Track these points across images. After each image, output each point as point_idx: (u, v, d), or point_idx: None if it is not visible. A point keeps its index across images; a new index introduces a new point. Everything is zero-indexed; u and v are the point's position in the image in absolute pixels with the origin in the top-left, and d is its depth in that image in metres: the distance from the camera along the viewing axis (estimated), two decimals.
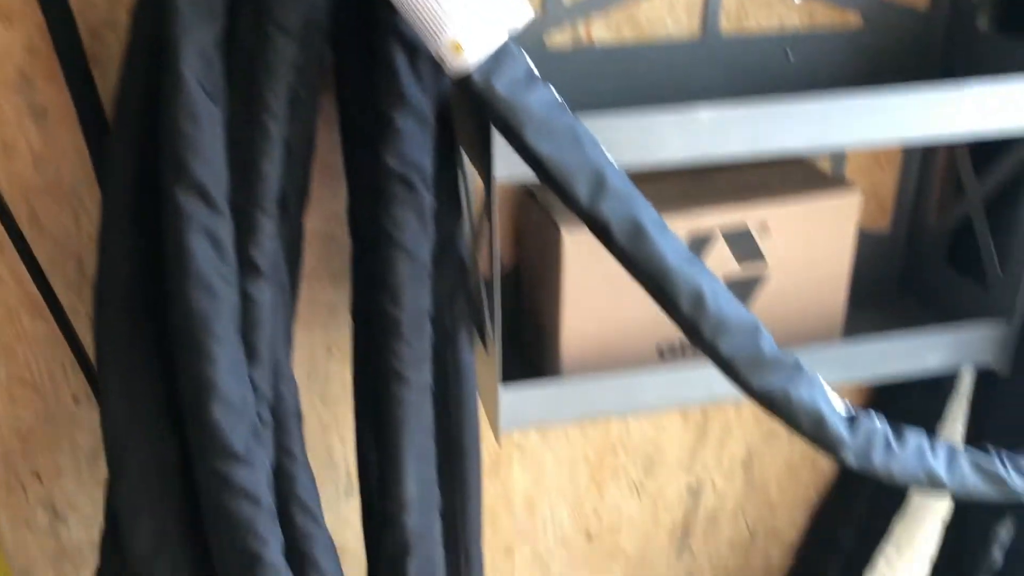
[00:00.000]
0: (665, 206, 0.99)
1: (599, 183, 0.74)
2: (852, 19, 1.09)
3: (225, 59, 0.73)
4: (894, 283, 1.25)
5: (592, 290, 0.98)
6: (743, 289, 1.04)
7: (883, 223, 1.23)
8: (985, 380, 1.21)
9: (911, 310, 1.20)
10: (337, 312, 1.09)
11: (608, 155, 0.76)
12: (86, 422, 1.10)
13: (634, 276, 0.78)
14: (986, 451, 0.92)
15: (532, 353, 1.08)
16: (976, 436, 1.24)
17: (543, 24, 1.01)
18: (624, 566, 1.39)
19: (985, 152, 1.09)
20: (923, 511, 1.45)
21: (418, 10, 0.69)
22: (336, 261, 1.07)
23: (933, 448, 0.89)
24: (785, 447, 1.37)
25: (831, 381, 1.07)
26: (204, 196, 0.72)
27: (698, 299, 0.78)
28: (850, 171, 1.18)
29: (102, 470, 1.11)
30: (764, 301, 1.05)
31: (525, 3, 0.73)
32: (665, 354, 1.04)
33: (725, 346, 0.80)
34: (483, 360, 0.97)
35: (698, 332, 0.80)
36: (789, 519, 1.44)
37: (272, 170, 0.75)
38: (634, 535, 1.37)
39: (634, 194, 0.76)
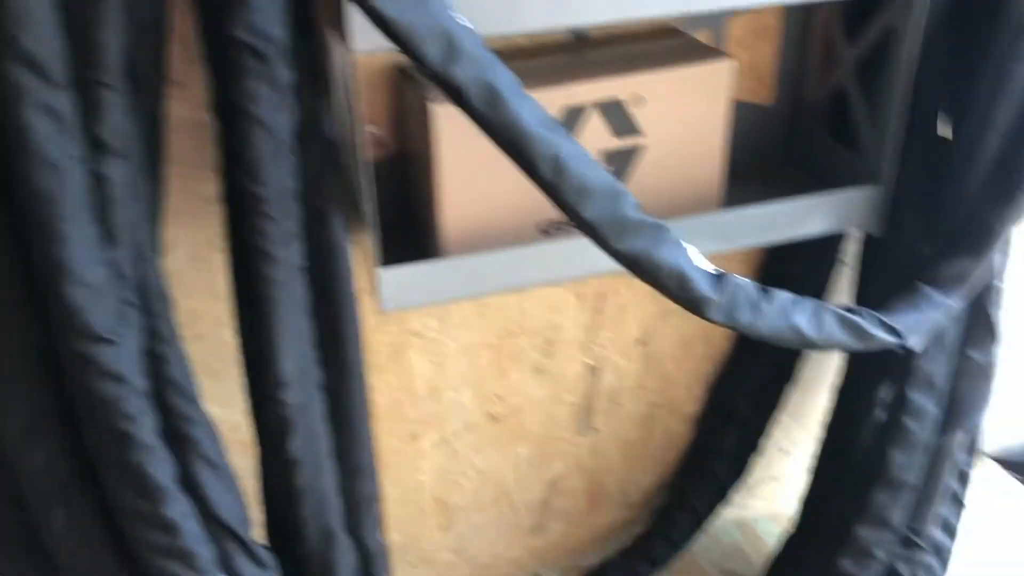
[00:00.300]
0: (539, 81, 0.99)
1: (450, 46, 0.73)
2: None
3: None
4: (778, 154, 1.27)
5: (469, 167, 0.98)
6: (622, 161, 1.05)
7: (766, 95, 1.24)
8: (868, 249, 1.24)
9: (794, 179, 1.23)
10: (215, 204, 1.08)
11: (461, 19, 0.75)
12: None
13: (493, 141, 0.78)
14: (854, 308, 0.96)
15: (417, 234, 1.09)
16: (862, 298, 1.29)
17: None
18: (529, 446, 1.43)
19: (856, 18, 1.10)
20: (814, 379, 1.50)
21: None
22: (213, 151, 1.05)
23: (799, 305, 0.92)
24: (680, 324, 1.41)
25: (712, 249, 1.10)
26: (37, 70, 0.69)
27: (558, 163, 0.78)
28: (731, 45, 1.19)
29: None
30: (643, 172, 1.06)
31: None
32: (549, 231, 1.06)
33: (588, 210, 0.81)
34: (366, 240, 0.97)
35: (560, 196, 0.80)
36: (687, 393, 1.49)
37: (113, 41, 0.73)
38: (538, 416, 1.41)
39: (489, 58, 0.76)
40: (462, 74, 0.74)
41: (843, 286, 1.39)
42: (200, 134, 1.03)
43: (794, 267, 1.35)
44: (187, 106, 1.00)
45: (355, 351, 0.94)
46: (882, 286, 1.23)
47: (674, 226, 1.04)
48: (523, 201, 1.01)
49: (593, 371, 1.40)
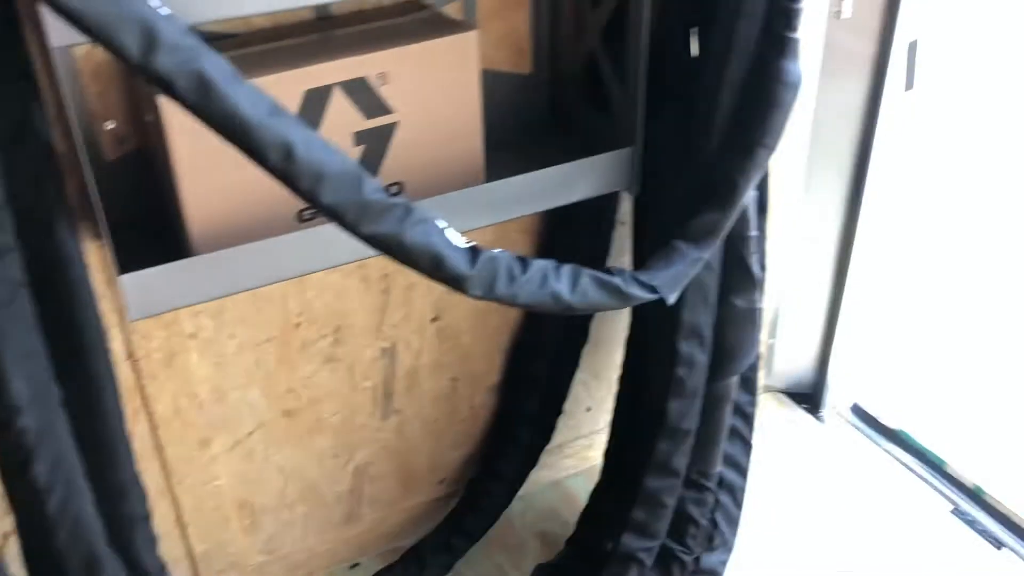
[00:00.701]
0: (280, 64, 0.95)
1: (150, 37, 0.69)
2: None
3: None
4: (541, 122, 1.28)
5: (209, 159, 0.93)
6: (376, 141, 1.03)
7: (524, 64, 1.25)
8: (637, 209, 1.28)
9: (557, 147, 1.24)
10: None
11: (159, 7, 0.71)
12: None
13: (214, 132, 0.75)
14: (610, 269, 0.98)
15: (168, 234, 1.03)
16: (640, 256, 1.33)
17: None
18: (330, 437, 1.40)
19: None
20: (608, 338, 1.54)
21: None
22: None
23: (557, 272, 0.94)
24: (465, 305, 1.41)
25: (479, 223, 1.10)
26: None
27: (287, 150, 0.76)
28: (483, 15, 1.18)
29: None
30: (401, 150, 1.04)
31: None
32: (310, 218, 1.03)
33: (327, 196, 0.79)
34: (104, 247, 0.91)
35: (296, 184, 0.78)
36: (486, 364, 1.49)
37: None
38: (335, 405, 1.38)
39: (195, 46, 0.72)
40: (166, 65, 0.70)
41: (625, 246, 1.43)
42: None
43: (573, 233, 1.37)
44: None
45: (101, 364, 0.88)
46: (652, 242, 1.27)
47: (438, 202, 1.05)
48: (277, 189, 0.97)
49: (388, 354, 1.39)
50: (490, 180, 1.11)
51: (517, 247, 1.38)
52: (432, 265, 0.85)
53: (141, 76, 0.71)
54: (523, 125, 1.26)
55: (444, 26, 1.05)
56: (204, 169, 0.94)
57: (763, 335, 1.67)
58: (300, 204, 1.00)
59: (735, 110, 1.05)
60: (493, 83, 1.22)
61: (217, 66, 0.73)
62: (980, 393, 1.92)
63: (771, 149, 1.04)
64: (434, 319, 1.40)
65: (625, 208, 1.38)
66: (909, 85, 1.61)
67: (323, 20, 1.07)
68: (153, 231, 1.04)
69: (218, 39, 1.01)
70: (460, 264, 0.86)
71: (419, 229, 0.83)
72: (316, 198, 0.79)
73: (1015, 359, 2.04)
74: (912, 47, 1.59)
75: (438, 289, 1.36)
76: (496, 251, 0.90)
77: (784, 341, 1.81)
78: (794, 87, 1.02)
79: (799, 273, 1.72)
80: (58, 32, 0.75)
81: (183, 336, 1.20)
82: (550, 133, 1.27)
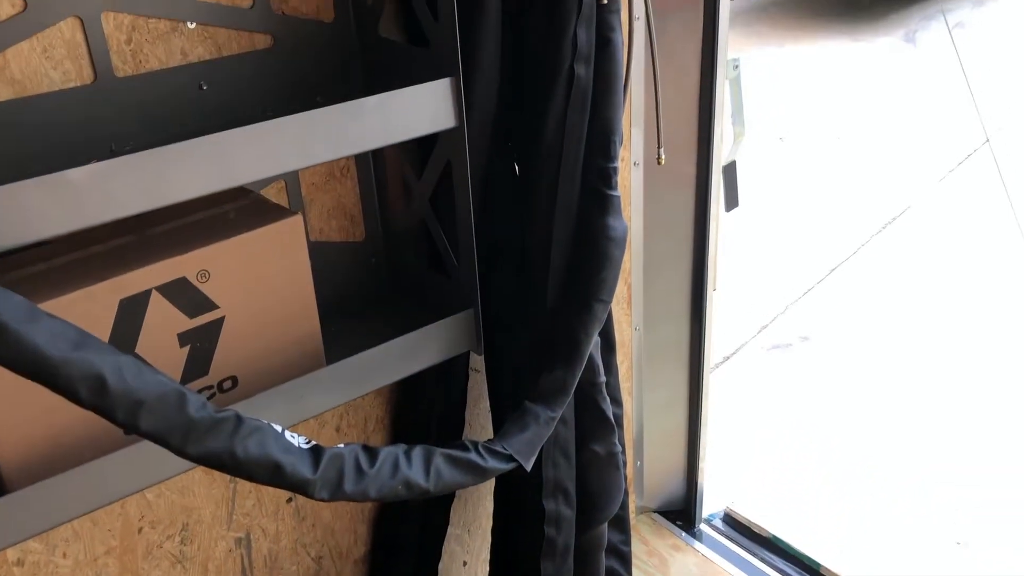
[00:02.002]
0: (91, 274, 0.90)
1: None
2: (260, 40, 1.07)
3: None
4: (380, 289, 1.26)
5: (17, 386, 0.86)
6: (204, 339, 0.98)
7: (356, 232, 1.24)
8: (488, 361, 1.26)
9: (398, 313, 1.22)
10: None
11: None
12: None
13: (15, 373, 0.69)
14: (463, 445, 0.96)
15: None
16: (497, 408, 1.31)
17: None
18: None
19: (420, 153, 1.13)
20: (479, 490, 1.51)
21: None
22: None
23: (408, 457, 0.91)
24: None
25: (324, 407, 1.06)
26: None
27: (98, 384, 0.71)
28: (308, 188, 1.17)
29: None
30: (232, 344, 1.00)
31: None
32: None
33: (148, 423, 0.74)
34: None
35: (112, 416, 0.73)
36: (351, 536, 1.43)
37: None
38: None
39: None
40: None
41: (482, 391, 1.41)
42: None
43: (427, 387, 1.34)
44: None
45: None
46: (505, 396, 1.26)
47: (278, 392, 1.01)
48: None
49: (243, 543, 1.30)
50: (331, 360, 1.07)
51: (368, 408, 1.34)
52: (270, 475, 0.81)
53: None
54: (362, 293, 1.24)
55: (266, 212, 1.02)
56: (12, 396, 0.86)
57: (629, 457, 1.68)
58: None
59: (566, 267, 1.06)
60: (326, 255, 1.20)
61: (9, 307, 0.67)
62: (849, 493, 1.97)
63: (607, 303, 1.05)
64: (289, 500, 1.33)
65: (478, 356, 1.37)
66: (731, 205, 1.69)
67: (139, 217, 1.02)
68: None
69: (26, 249, 0.95)
70: (301, 469, 0.82)
71: (253, 440, 0.79)
72: (137, 427, 0.74)
73: (881, 459, 2.12)
74: (729, 169, 1.68)
75: None
76: (341, 447, 0.86)
77: (651, 461, 1.82)
78: (620, 242, 1.04)
79: (655, 392, 1.75)
80: None
81: (7, 564, 1.09)
82: (390, 299, 1.26)
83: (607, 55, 1.02)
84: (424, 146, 1.10)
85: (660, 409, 1.77)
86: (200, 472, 1.21)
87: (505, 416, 1.29)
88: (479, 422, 1.48)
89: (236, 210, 1.04)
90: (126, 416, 0.73)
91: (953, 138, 4.83)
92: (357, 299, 1.22)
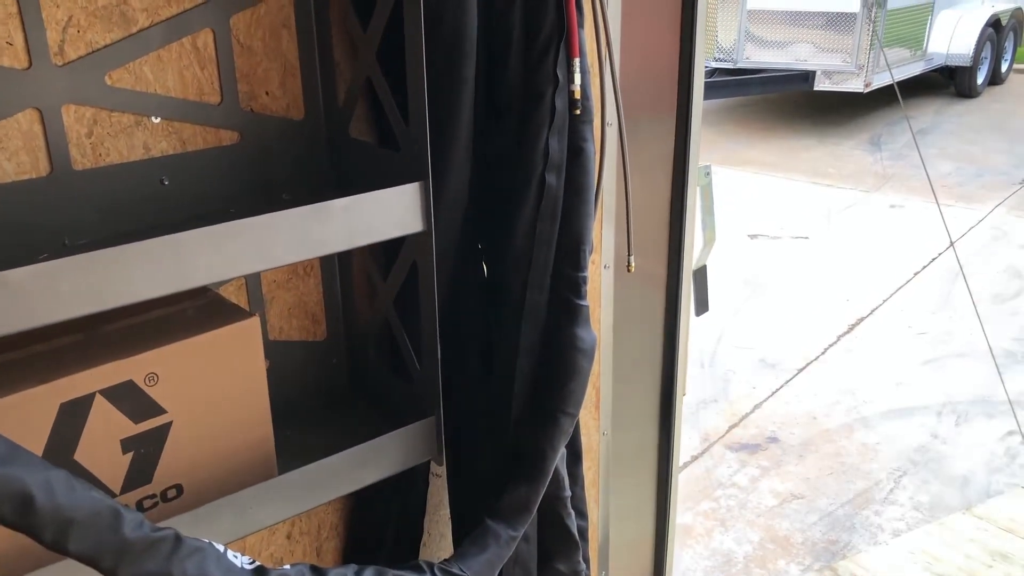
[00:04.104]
0: (32, 376, 0.85)
1: None
2: (227, 136, 1.05)
3: None
4: (340, 390, 1.22)
5: None
6: (149, 445, 0.93)
7: (318, 332, 1.20)
8: (453, 467, 1.22)
9: (357, 416, 1.18)
10: None
11: None
12: None
13: None
14: (418, 566, 0.91)
15: None
16: (459, 517, 1.26)
17: None
18: None
19: (388, 253, 1.10)
20: None
21: None
22: None
23: None
24: None
25: (278, 518, 1.00)
26: None
27: (25, 501, 0.66)
28: (269, 286, 1.14)
29: None
30: (179, 450, 0.95)
31: None
32: None
33: (78, 544, 0.69)
34: None
35: (38, 535, 0.68)
36: None
37: None
38: None
39: None
40: None
41: (443, 499, 1.36)
42: None
43: (386, 493, 1.29)
44: None
45: None
46: (465, 508, 1.21)
47: (226, 501, 0.95)
48: None
49: None
50: (284, 469, 1.02)
51: (322, 515, 1.28)
52: None
53: None
54: (320, 394, 1.19)
55: (222, 313, 0.98)
56: None
57: (593, 568, 1.62)
58: None
59: (533, 377, 1.03)
60: (285, 354, 1.16)
61: None
62: None
63: (574, 416, 1.02)
64: None
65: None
66: (702, 309, 1.67)
67: (88, 316, 0.98)
68: None
69: None
70: None
71: (191, 562, 0.74)
72: (65, 548, 0.69)
73: None
74: (700, 273, 1.67)
75: None
76: (287, 569, 0.81)
77: (616, 571, 1.76)
78: (589, 353, 1.01)
79: (622, 497, 1.70)
80: None
81: None
82: (349, 401, 1.21)
83: (579, 164, 1.01)
84: (390, 247, 1.08)
85: (626, 515, 1.72)
86: None
87: (466, 525, 1.24)
88: (439, 530, 1.42)
89: (192, 309, 1.00)
90: (55, 536, 0.68)
91: (918, 240, 4.91)
92: (315, 400, 1.18)
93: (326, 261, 1.17)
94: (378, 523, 1.29)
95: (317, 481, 1.01)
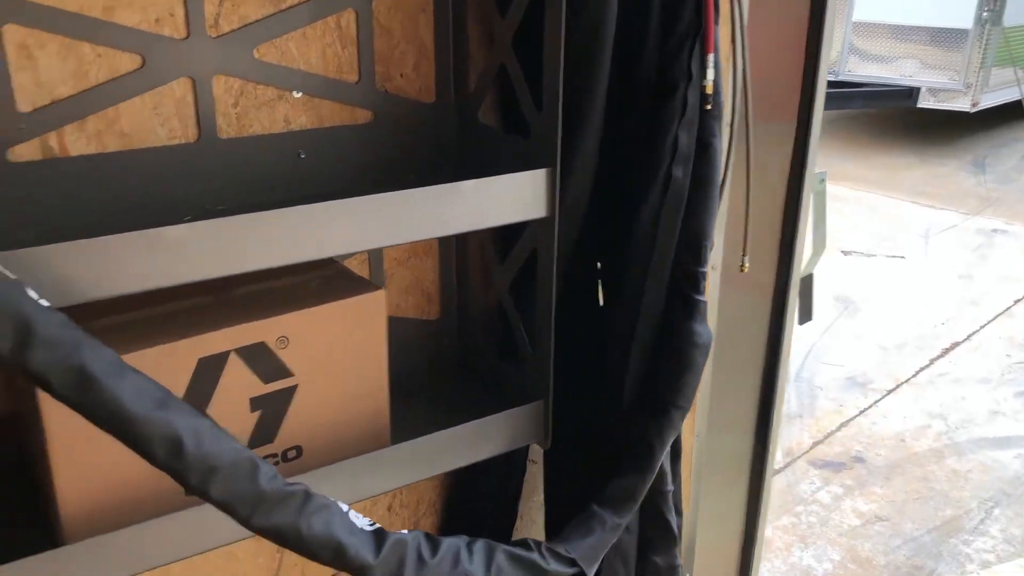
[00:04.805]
0: (173, 331, 0.90)
1: (25, 333, 0.64)
2: (363, 115, 1.08)
3: None
4: (449, 369, 1.25)
5: (89, 436, 0.85)
6: (275, 406, 0.96)
7: (431, 311, 1.23)
8: (550, 454, 1.23)
9: (466, 395, 1.20)
10: None
11: (38, 299, 0.65)
12: None
13: (95, 425, 0.68)
14: (526, 544, 0.92)
15: (33, 513, 0.93)
16: (550, 504, 1.27)
17: (3, 136, 0.88)
18: None
19: (505, 237, 1.12)
20: None
21: None
22: None
23: (470, 551, 0.87)
24: None
25: (385, 488, 1.03)
26: None
27: (175, 445, 0.70)
28: (390, 264, 1.17)
29: None
30: (302, 413, 0.98)
31: None
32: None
33: (218, 490, 0.72)
34: None
35: (184, 479, 0.72)
36: None
37: None
38: None
39: (76, 340, 0.66)
40: (41, 362, 0.65)
41: (537, 484, 1.37)
42: None
43: (483, 475, 1.31)
44: None
45: None
46: (566, 495, 1.22)
47: (341, 467, 0.99)
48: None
49: None
50: (396, 439, 1.05)
51: (422, 491, 1.31)
52: (332, 555, 0.78)
53: (15, 372, 0.65)
54: (430, 372, 1.22)
55: (349, 284, 1.01)
56: (79, 448, 0.85)
57: None
58: None
59: (646, 369, 1.03)
60: (398, 330, 1.19)
61: (99, 359, 0.67)
62: None
63: (685, 410, 1.02)
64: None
65: (537, 447, 1.34)
66: (805, 318, 1.65)
67: (221, 278, 1.02)
68: (15, 506, 0.93)
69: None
70: (363, 553, 0.79)
71: (319, 517, 0.77)
72: (207, 493, 0.72)
73: None
74: (806, 281, 1.65)
75: None
76: (404, 534, 0.84)
77: (700, 574, 1.75)
78: (705, 348, 1.01)
79: (711, 502, 1.69)
80: None
81: None
82: (458, 380, 1.23)
83: (706, 160, 1.02)
84: (508, 231, 1.09)
85: (714, 520, 1.71)
86: (250, 540, 1.19)
87: (559, 513, 1.25)
88: (531, 515, 1.44)
89: (319, 279, 1.03)
90: (199, 481, 0.71)
91: (1021, 266, 4.74)
92: (423, 377, 1.21)
93: (444, 242, 1.20)
94: (475, 503, 1.32)
95: (427, 454, 1.03)
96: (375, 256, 1.14)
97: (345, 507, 0.80)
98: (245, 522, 0.74)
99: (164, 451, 0.70)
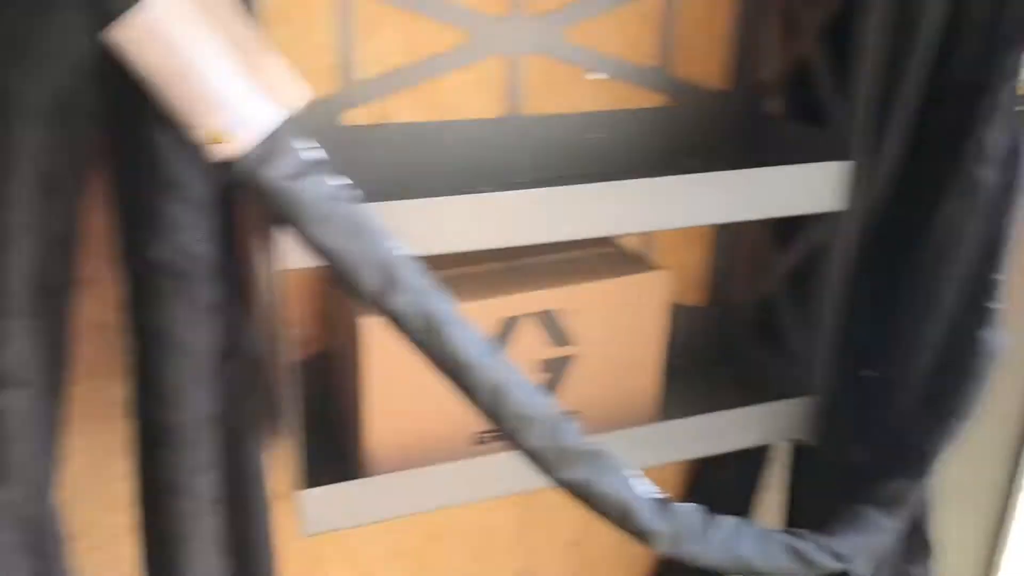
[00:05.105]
0: (475, 292, 0.96)
1: (389, 276, 0.71)
2: (656, 99, 1.11)
3: None
4: (711, 357, 1.26)
5: (398, 380, 0.93)
6: (553, 371, 1.01)
7: (697, 298, 1.24)
8: (800, 454, 1.22)
9: (727, 385, 1.21)
10: (120, 408, 0.99)
11: (399, 248, 0.72)
12: None
13: (432, 367, 0.75)
14: (798, 533, 0.93)
15: (337, 446, 1.02)
16: (795, 503, 1.26)
17: (340, 101, 0.97)
18: None
19: (785, 229, 1.12)
20: None
21: (176, 97, 0.63)
22: (117, 352, 0.98)
23: (744, 532, 0.89)
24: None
25: (648, 463, 1.06)
26: None
27: (497, 392, 0.75)
28: (660, 247, 1.19)
29: None
30: (576, 382, 1.03)
31: (302, 87, 0.69)
32: (485, 441, 1.00)
33: (527, 438, 0.77)
34: (284, 459, 0.90)
35: (500, 424, 0.77)
36: None
37: (19, 263, 0.67)
38: None
39: (427, 287, 0.73)
40: (401, 304, 0.72)
41: (775, 480, 1.36)
42: (105, 336, 0.97)
43: (726, 468, 1.32)
44: (94, 306, 0.94)
45: None
46: (816, 493, 1.21)
47: (608, 438, 1.02)
48: (456, 412, 0.96)
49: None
50: (660, 418, 1.08)
51: (667, 475, 1.33)
52: (621, 517, 0.82)
53: (373, 308, 0.72)
54: (693, 358, 1.23)
55: (632, 264, 1.05)
56: (390, 391, 0.93)
57: None
58: (477, 426, 0.99)
59: (928, 374, 1.00)
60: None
61: (444, 306, 0.73)
62: None
63: (966, 420, 0.99)
64: (575, 544, 1.34)
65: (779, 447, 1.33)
66: None
67: (509, 248, 1.09)
68: (319, 440, 1.03)
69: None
70: (648, 518, 0.82)
71: (613, 478, 0.81)
72: (517, 440, 0.77)
73: None
74: None
75: (581, 513, 1.31)
76: (686, 506, 0.86)
77: None
78: (995, 359, 0.98)
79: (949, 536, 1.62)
80: (292, 256, 0.76)
81: (327, 541, 1.16)
82: (719, 368, 1.24)
83: (1012, 163, 0.97)
84: (790, 222, 1.09)
85: (952, 548, 1.63)
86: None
87: (806, 511, 1.24)
88: (766, 511, 1.43)
89: (599, 255, 1.07)
90: (514, 427, 0.76)
91: None
92: (687, 362, 1.22)
93: (720, 229, 1.21)
94: (712, 493, 1.32)
95: (693, 434, 1.05)
96: (647, 239, 1.17)
97: (634, 473, 0.83)
98: (550, 472, 0.79)
99: (488, 396, 0.75)
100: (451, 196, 0.81)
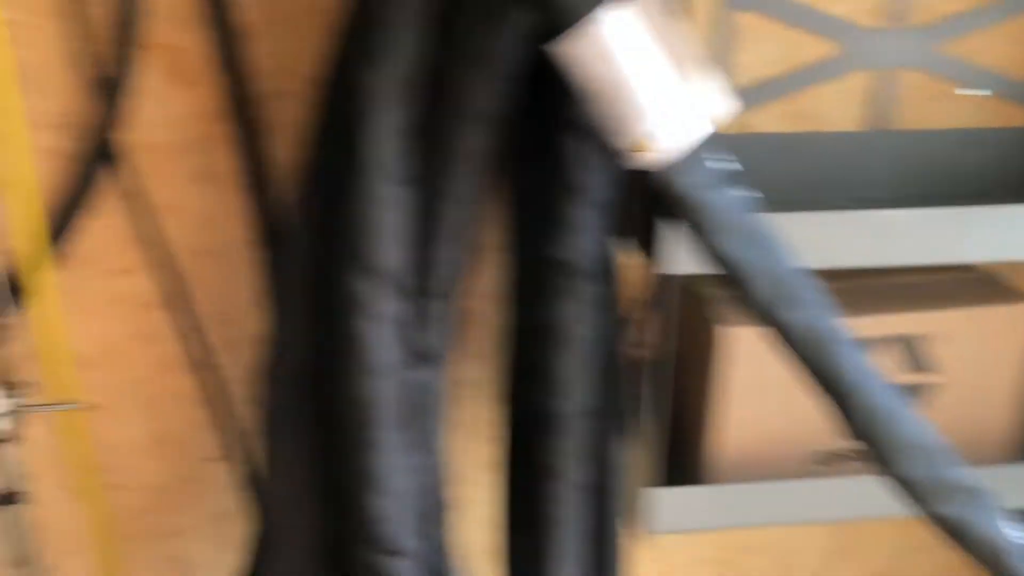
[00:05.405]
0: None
1: (780, 288, 0.71)
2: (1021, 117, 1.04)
3: (417, 142, 0.72)
4: None
5: (750, 392, 0.93)
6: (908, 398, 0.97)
7: None
8: None
9: None
10: (468, 389, 1.06)
11: (796, 260, 0.72)
12: (217, 481, 1.10)
13: (811, 384, 0.74)
14: None
15: (679, 451, 1.04)
16: None
17: None
18: None
19: None
20: None
21: (607, 105, 0.67)
22: (477, 339, 1.05)
23: None
24: (927, 562, 1.28)
25: (1016, 504, 1.00)
26: (375, 282, 0.70)
27: (875, 417, 0.73)
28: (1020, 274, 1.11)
29: (229, 531, 1.11)
30: (933, 412, 0.98)
31: (729, 100, 0.70)
32: (827, 463, 0.98)
33: (903, 467, 0.75)
34: (635, 457, 0.93)
35: (874, 448, 0.75)
36: None
37: (446, 256, 0.74)
38: None
39: (821, 304, 0.72)
40: (788, 317, 0.71)
41: None
42: (467, 323, 1.03)
43: None
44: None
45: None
46: None
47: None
48: (802, 428, 0.95)
49: None
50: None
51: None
52: (991, 558, 0.77)
53: (758, 318, 0.73)
54: None
55: (998, 292, 0.99)
56: (742, 402, 0.94)
57: None
58: (821, 446, 0.97)
59: None
60: None
61: (834, 326, 0.72)
62: None
63: None
64: None
65: None
66: None
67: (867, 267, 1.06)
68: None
69: None
70: (1018, 565, 0.77)
71: (985, 517, 0.76)
72: (894, 468, 0.75)
73: None
74: None
75: (896, 546, 1.26)
76: None
77: None
78: None
79: None
80: (673, 262, 0.79)
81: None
82: None
83: None
84: None
85: None
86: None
87: None
88: None
89: (961, 281, 1.02)
90: (887, 455, 0.74)
91: None
92: None
93: None
94: None
95: None
96: (1012, 267, 1.10)
97: (1003, 513, 0.79)
98: (923, 504, 0.75)
99: (864, 421, 0.73)
100: (847, 211, 0.80)
